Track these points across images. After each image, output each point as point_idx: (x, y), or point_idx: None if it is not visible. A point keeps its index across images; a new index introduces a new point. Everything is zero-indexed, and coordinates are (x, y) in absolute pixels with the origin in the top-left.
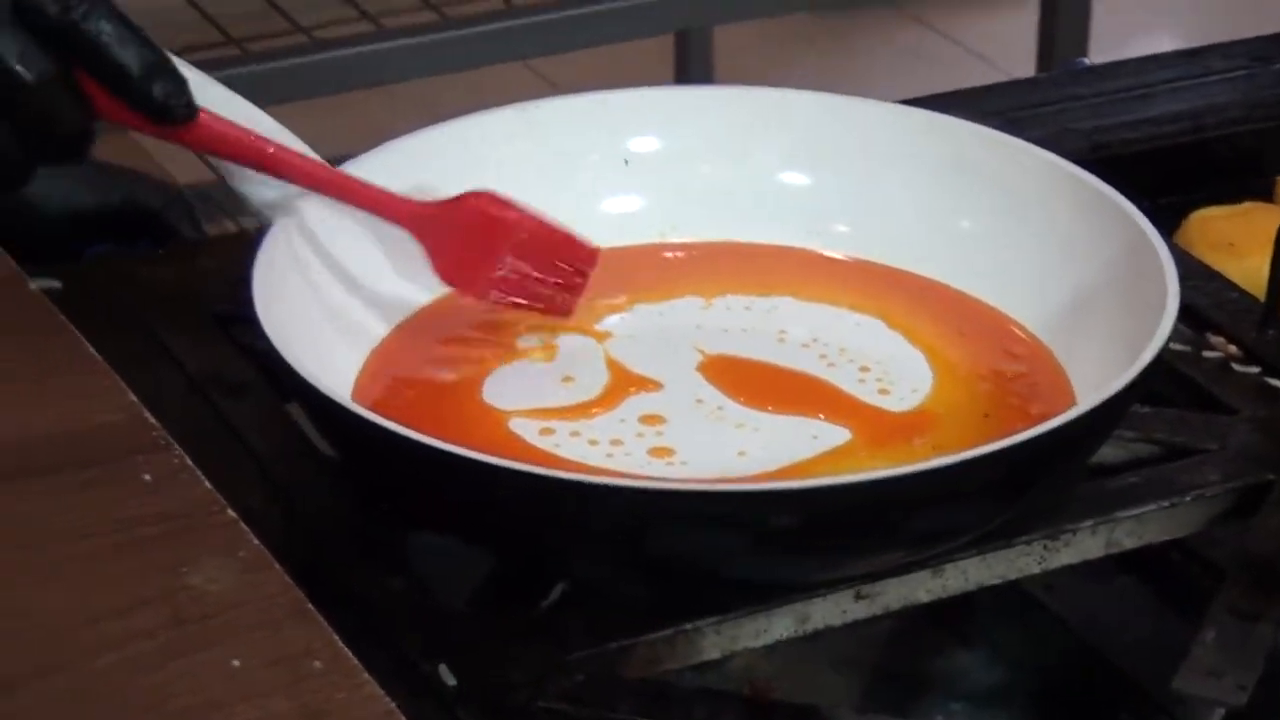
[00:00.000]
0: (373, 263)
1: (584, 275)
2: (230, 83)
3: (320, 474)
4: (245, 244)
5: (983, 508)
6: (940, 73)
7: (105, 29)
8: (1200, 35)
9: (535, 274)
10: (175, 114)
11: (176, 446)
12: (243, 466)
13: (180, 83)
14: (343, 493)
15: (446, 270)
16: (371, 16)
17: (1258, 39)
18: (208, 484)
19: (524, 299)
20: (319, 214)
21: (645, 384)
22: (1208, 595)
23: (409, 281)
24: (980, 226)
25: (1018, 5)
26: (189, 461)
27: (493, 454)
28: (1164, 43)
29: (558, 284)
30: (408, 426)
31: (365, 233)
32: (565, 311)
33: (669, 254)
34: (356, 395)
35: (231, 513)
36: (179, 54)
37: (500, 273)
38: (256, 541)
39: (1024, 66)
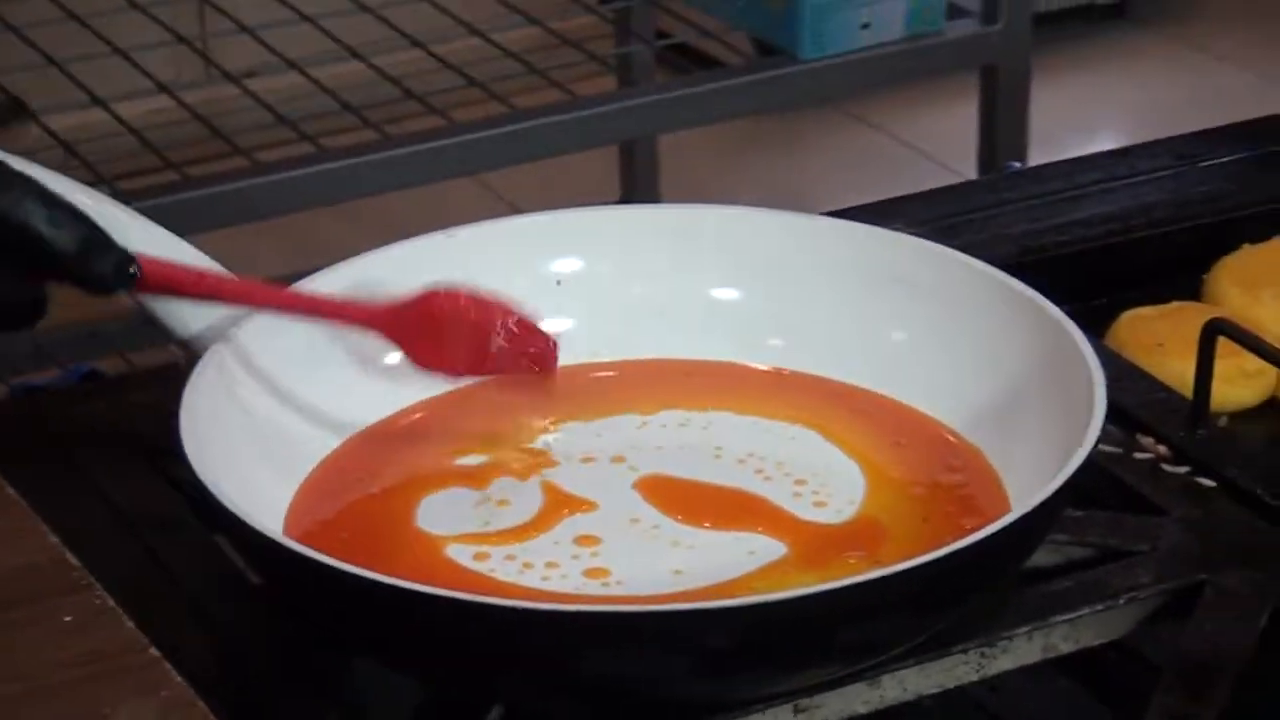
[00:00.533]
0: (303, 391)
1: (551, 355)
2: (171, 208)
3: (252, 606)
4: (174, 376)
5: (917, 619)
6: (887, 172)
7: (35, 212)
8: (1136, 123)
9: (514, 349)
10: (116, 285)
11: (98, 586)
12: (172, 602)
13: (119, 255)
14: (275, 624)
15: (426, 358)
16: (310, 137)
17: (1182, 137)
18: (130, 623)
19: (510, 368)
20: (246, 345)
21: (580, 505)
22: (1146, 695)
23: (339, 409)
24: (912, 336)
25: (960, 101)
26: (110, 602)
27: (427, 582)
28: (1101, 132)
29: (533, 356)
30: (341, 558)
31: (294, 362)
32: (549, 370)
33: (602, 373)
34: (289, 525)
35: (154, 652)
36: (116, 180)
37: (491, 348)
38: (180, 679)
39: (968, 162)
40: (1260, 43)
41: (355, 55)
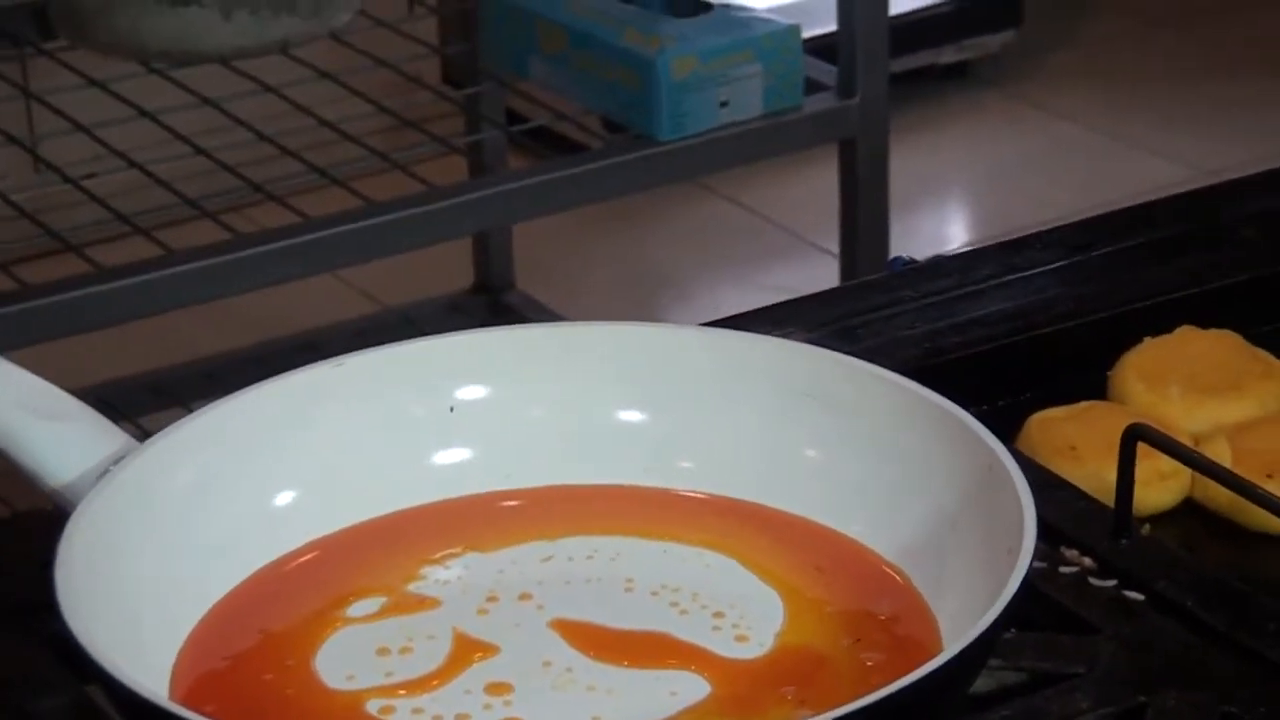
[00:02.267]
0: (185, 536)
1: None
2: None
3: None
4: (51, 524)
5: None
6: (747, 245)
7: None
8: (986, 179)
9: None
10: None
11: None
12: None
13: None
14: None
15: None
16: (149, 233)
17: (1075, 225)
18: None
19: None
20: (123, 490)
21: (488, 649)
22: None
23: (225, 553)
24: (827, 454)
25: (816, 170)
26: None
27: None
28: (952, 189)
29: None
30: None
31: (176, 506)
32: None
33: (505, 503)
34: (175, 682)
35: None
36: None
37: None
38: None
39: (829, 233)
40: (1097, 100)
41: (194, 147)
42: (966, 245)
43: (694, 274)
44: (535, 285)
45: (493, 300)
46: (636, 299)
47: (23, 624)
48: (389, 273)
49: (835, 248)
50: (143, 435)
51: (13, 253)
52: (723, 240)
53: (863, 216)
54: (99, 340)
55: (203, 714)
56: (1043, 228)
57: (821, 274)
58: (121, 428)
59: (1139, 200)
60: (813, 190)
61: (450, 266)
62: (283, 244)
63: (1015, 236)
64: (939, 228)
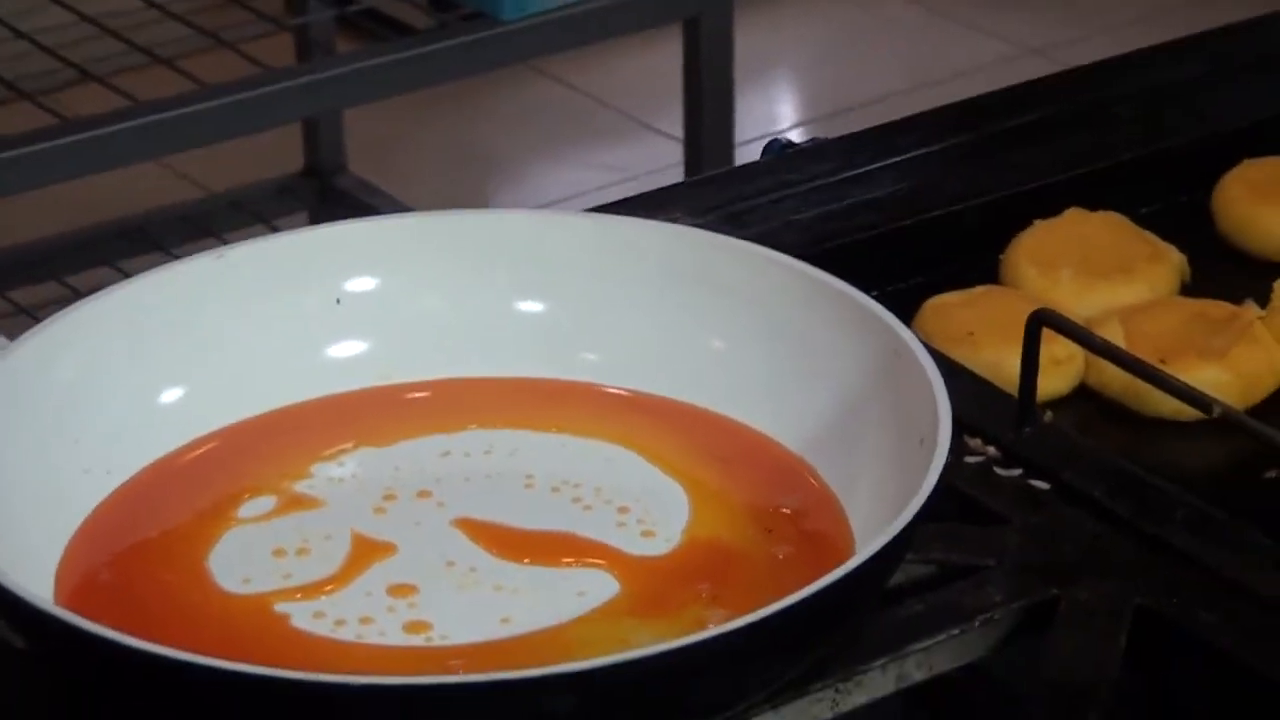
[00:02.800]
0: (67, 436)
1: None
2: None
3: (11, 670)
4: None
5: (771, 667)
6: (582, 129)
7: None
8: (818, 57)
9: None
10: None
11: None
12: None
13: None
14: (39, 692)
15: None
16: None
17: (961, 104)
18: None
19: None
20: (11, 373)
21: (388, 550)
22: None
23: (110, 455)
24: (731, 343)
25: (650, 53)
26: None
27: (225, 655)
28: (780, 70)
29: None
30: (121, 626)
31: (55, 406)
32: None
33: (400, 397)
34: (59, 585)
35: None
36: None
37: None
38: None
39: (663, 114)
40: None
41: (12, 29)
42: (798, 123)
43: (528, 156)
44: (367, 168)
45: (324, 184)
46: (470, 182)
47: None
48: (215, 156)
49: (675, 130)
50: None
51: None
52: (557, 123)
53: (707, 97)
54: None
55: (93, 620)
56: (876, 99)
57: (661, 155)
58: None
59: (960, 75)
60: (646, 73)
61: (279, 149)
62: (112, 129)
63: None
64: (770, 107)
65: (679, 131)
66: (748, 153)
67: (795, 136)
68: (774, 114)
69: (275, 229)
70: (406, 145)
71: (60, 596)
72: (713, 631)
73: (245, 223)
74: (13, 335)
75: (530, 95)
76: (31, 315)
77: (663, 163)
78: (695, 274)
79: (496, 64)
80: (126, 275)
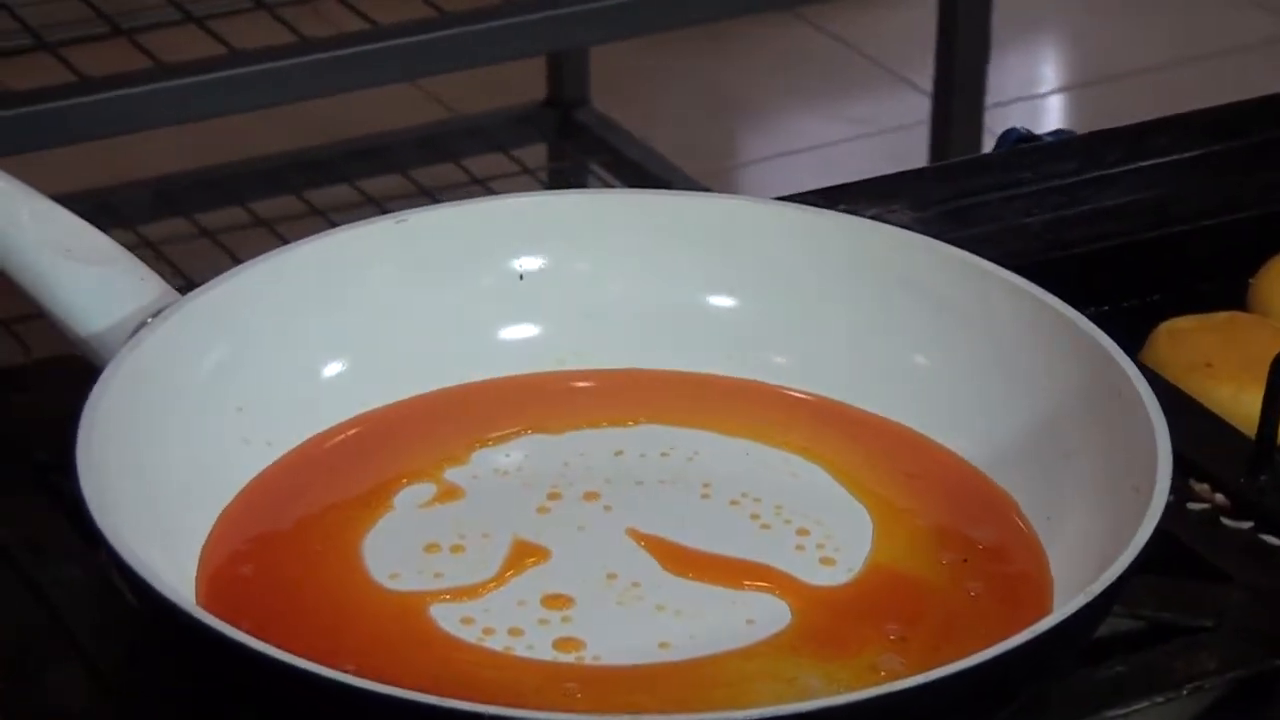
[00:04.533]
0: (223, 406)
1: None
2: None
3: (148, 661)
4: (76, 376)
5: None
6: (832, 77)
7: None
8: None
9: None
10: None
11: None
12: (57, 648)
13: None
14: (172, 683)
15: None
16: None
17: (1225, 108)
18: None
19: None
20: (159, 348)
21: (547, 554)
22: None
23: (265, 427)
24: (933, 359)
25: (909, 1)
26: None
27: (368, 656)
28: (1065, 31)
29: None
30: (266, 612)
31: (213, 372)
32: None
33: (574, 384)
34: (202, 567)
35: None
36: None
37: None
38: None
39: (919, 68)
40: None
41: None
42: (1058, 88)
43: (776, 103)
44: (610, 103)
45: (564, 116)
46: (714, 125)
47: (40, 484)
48: (459, 78)
49: (927, 84)
50: (198, 232)
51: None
52: (808, 69)
53: (961, 53)
54: (160, 136)
55: (230, 623)
56: (1139, 71)
57: (910, 110)
58: (178, 221)
59: (1224, 53)
60: (905, 23)
61: (523, 76)
62: (356, 49)
63: (1146, 120)
64: (1027, 69)
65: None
66: (998, 115)
67: (1048, 104)
68: (1030, 76)
69: (513, 159)
70: (651, 82)
71: (208, 572)
72: (893, 686)
73: (483, 150)
74: (241, 255)
75: (786, 41)
76: (272, 229)
77: (911, 118)
78: (901, 279)
79: (753, 9)
80: (364, 195)
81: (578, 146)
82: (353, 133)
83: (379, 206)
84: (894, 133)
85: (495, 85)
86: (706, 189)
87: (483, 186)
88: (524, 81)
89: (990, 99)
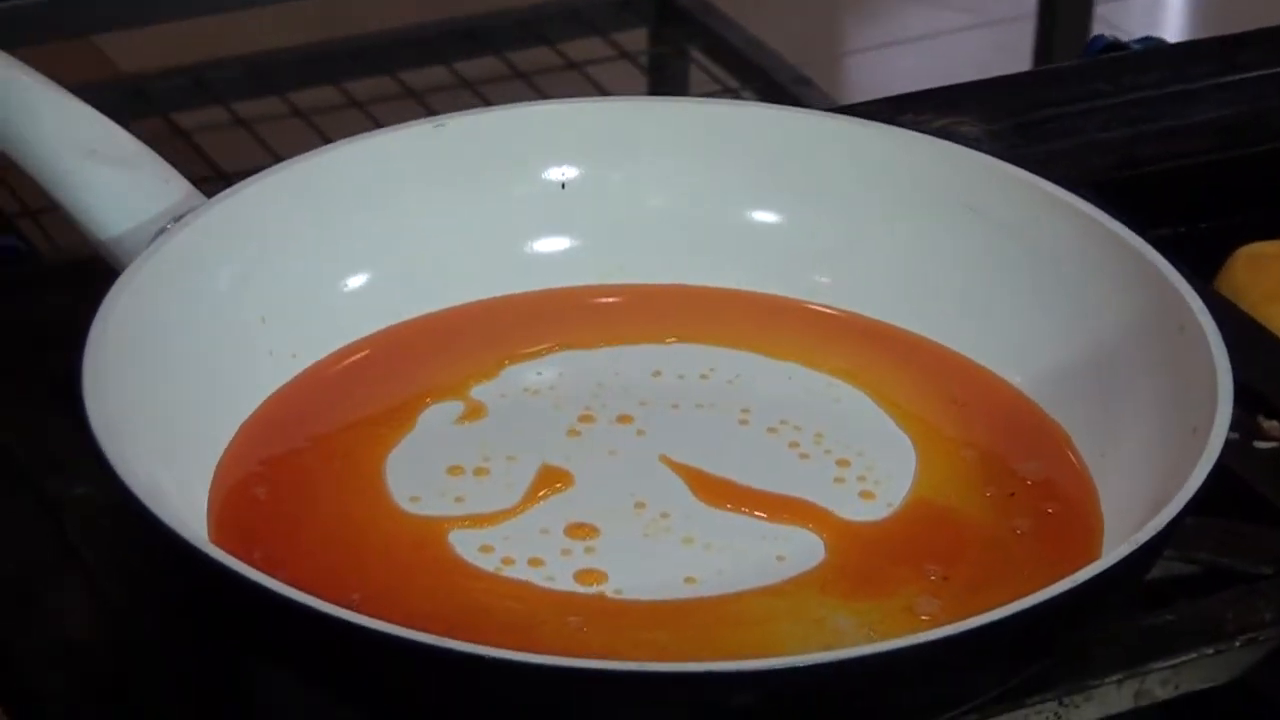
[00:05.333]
0: (243, 318)
1: None
2: None
3: (157, 590)
4: (106, 278)
5: (989, 676)
6: None
7: None
8: None
9: None
10: None
11: None
12: (66, 573)
13: None
14: (179, 613)
15: None
16: None
17: None
18: None
19: None
20: (177, 257)
21: (574, 480)
22: None
23: (287, 340)
24: (986, 282)
25: None
26: None
27: (384, 581)
28: None
29: None
30: (282, 535)
31: (234, 282)
32: None
33: (609, 299)
34: (215, 490)
35: None
36: None
37: None
38: None
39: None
40: None
41: None
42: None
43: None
44: None
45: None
46: (819, 12)
47: (59, 396)
48: None
49: None
50: (292, 111)
51: None
52: None
53: None
54: (247, 15)
55: (243, 548)
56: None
57: (1019, 1)
58: (273, 100)
59: None
60: None
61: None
62: None
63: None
64: None
65: None
66: (1111, 10)
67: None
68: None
69: (612, 43)
70: None
71: (220, 495)
72: (928, 635)
73: (581, 33)
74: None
75: None
76: (363, 109)
77: (1021, 10)
78: (957, 199)
79: None
80: (462, 79)
81: (678, 32)
82: (446, 14)
83: (473, 90)
84: (1002, 24)
85: None
86: (808, 80)
87: (579, 71)
88: None
89: None
